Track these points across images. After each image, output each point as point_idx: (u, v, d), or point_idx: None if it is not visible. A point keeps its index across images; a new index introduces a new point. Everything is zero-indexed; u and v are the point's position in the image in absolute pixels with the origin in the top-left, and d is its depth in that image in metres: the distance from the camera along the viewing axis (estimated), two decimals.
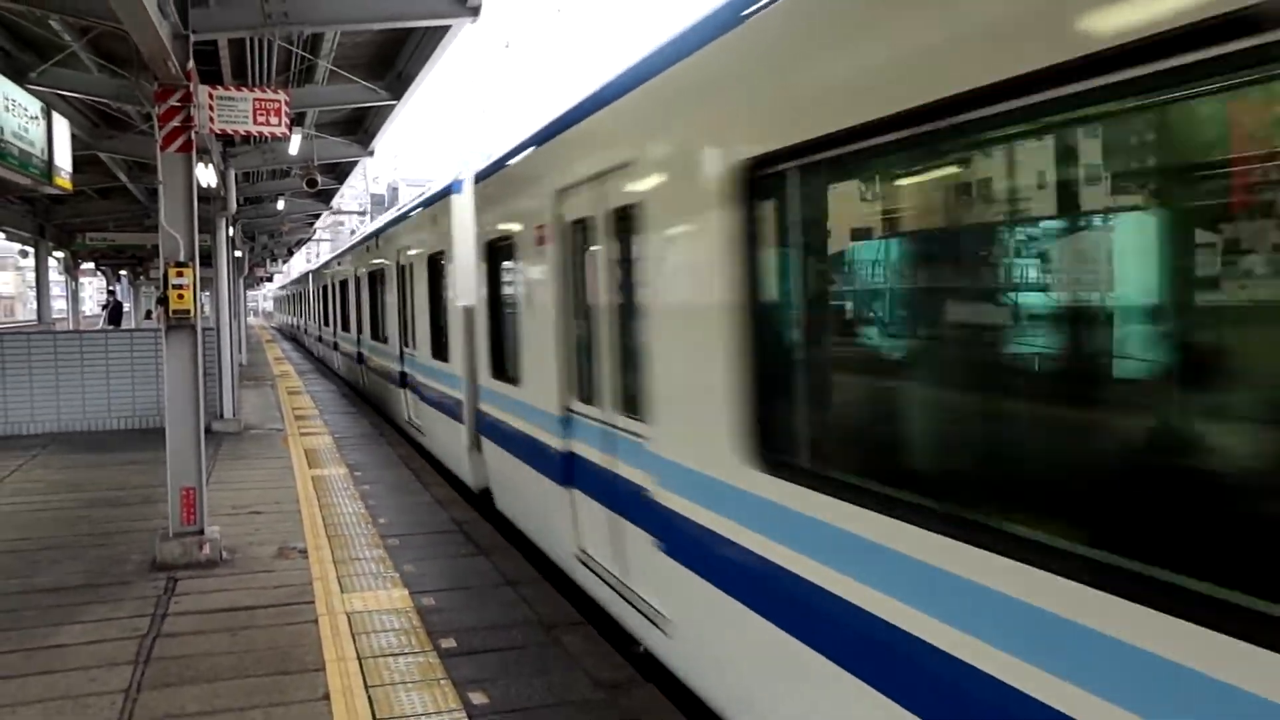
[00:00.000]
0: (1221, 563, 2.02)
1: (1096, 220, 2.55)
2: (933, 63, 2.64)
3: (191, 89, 7.29)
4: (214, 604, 6.32)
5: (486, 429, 8.47)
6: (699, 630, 4.38)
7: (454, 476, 10.50)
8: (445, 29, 9.68)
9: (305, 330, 38.43)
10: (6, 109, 7.71)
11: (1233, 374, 2.21)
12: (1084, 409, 2.54)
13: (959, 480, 2.82)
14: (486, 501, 8.88)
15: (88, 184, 18.22)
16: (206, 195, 13.16)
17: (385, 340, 14.72)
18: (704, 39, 4.04)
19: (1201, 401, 2.26)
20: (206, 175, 12.11)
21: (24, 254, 27.83)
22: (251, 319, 64.10)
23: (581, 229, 5.74)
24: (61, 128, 9.09)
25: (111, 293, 37.06)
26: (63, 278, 32.36)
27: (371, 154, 16.96)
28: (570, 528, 6.12)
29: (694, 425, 4.25)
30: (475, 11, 8.73)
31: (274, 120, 8.09)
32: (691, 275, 4.22)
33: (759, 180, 3.64)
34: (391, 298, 13.79)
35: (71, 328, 27.74)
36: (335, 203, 29.40)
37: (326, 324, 27.10)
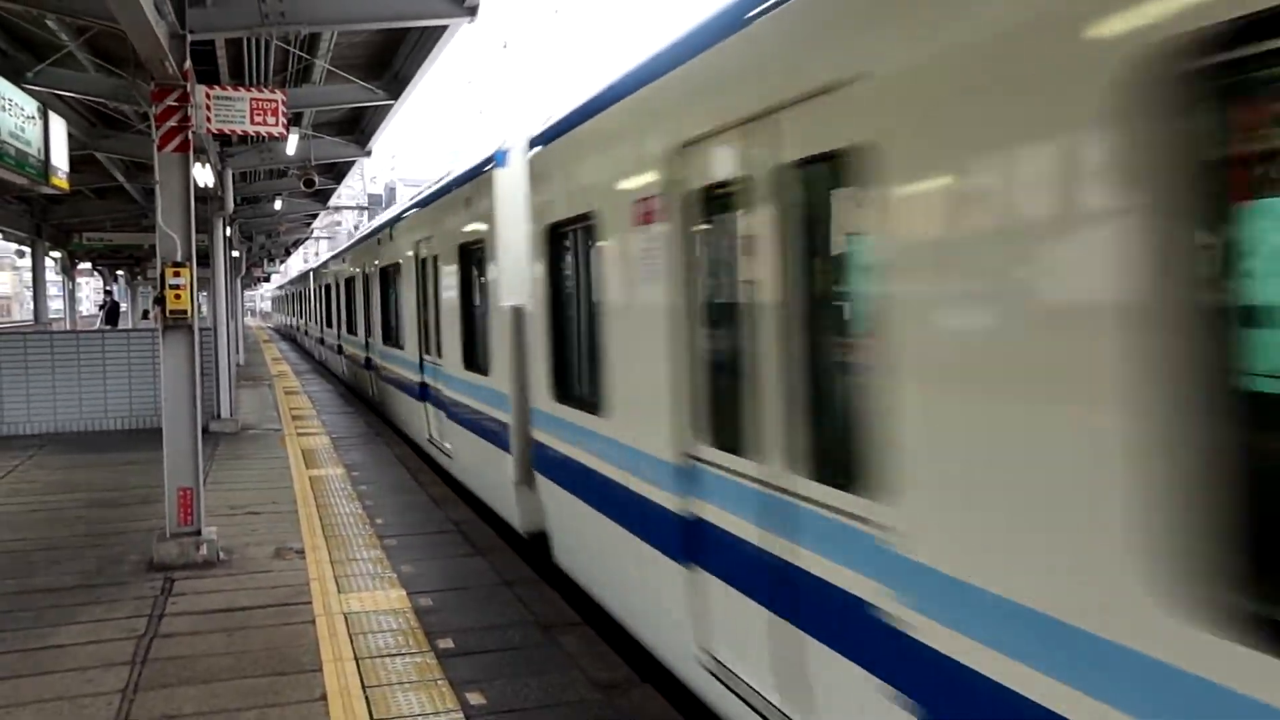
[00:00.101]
0: None
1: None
2: None
3: (188, 89, 7.28)
4: (211, 604, 6.31)
5: (545, 464, 6.54)
6: None
7: (484, 506, 8.87)
8: (442, 29, 9.67)
9: (305, 332, 35.64)
10: (3, 109, 7.69)
11: None
12: None
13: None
14: (538, 550, 7.12)
15: (85, 184, 18.19)
16: (204, 195, 13.15)
17: (401, 346, 12.68)
18: None
19: None
20: (204, 175, 12.11)
21: (20, 254, 27.81)
22: (249, 319, 64.03)
23: (718, 200, 4.04)
24: (58, 127, 9.07)
25: (109, 293, 37.04)
26: (60, 278, 32.32)
27: (369, 154, 16.96)
28: (687, 619, 4.42)
29: (996, 512, 2.49)
30: (473, 11, 8.72)
31: (271, 120, 8.08)
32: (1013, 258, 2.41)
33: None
34: (409, 296, 11.79)
35: (68, 328, 27.70)
36: (335, 200, 29.24)
37: (330, 325, 24.49)
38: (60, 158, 9.15)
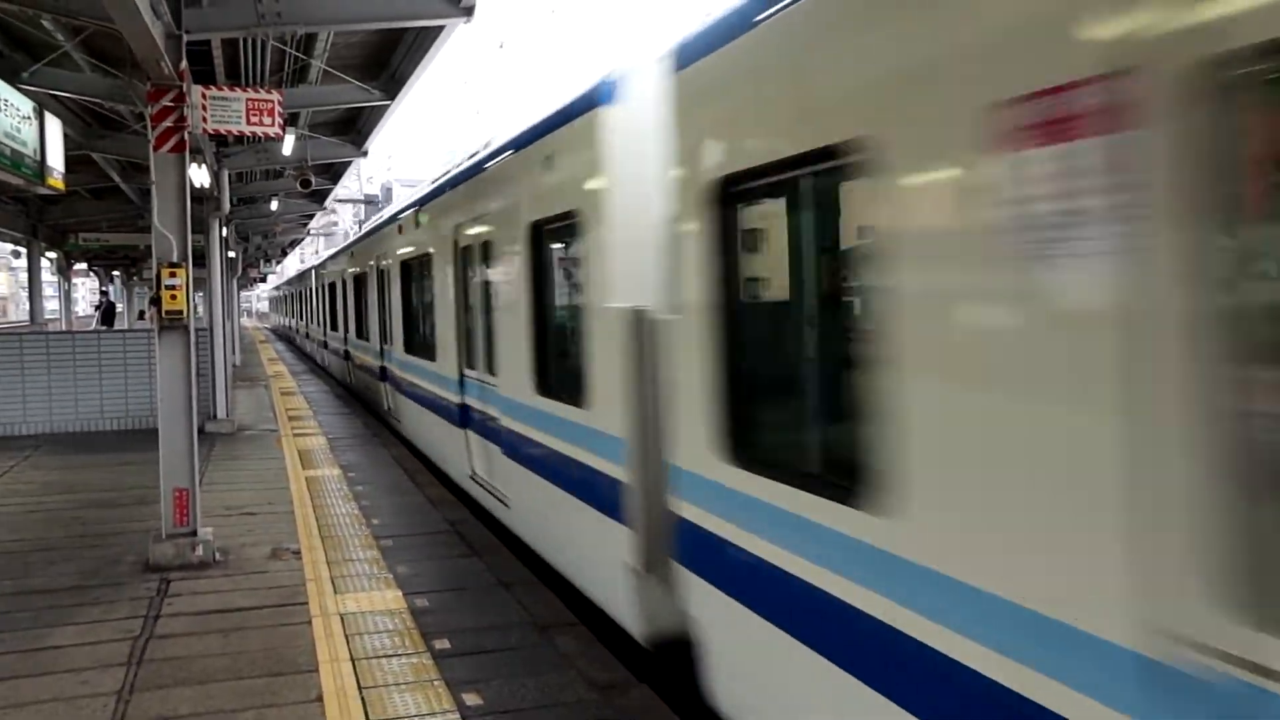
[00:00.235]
0: None
1: None
2: None
3: (184, 89, 7.27)
4: (207, 605, 6.31)
5: (701, 554, 4.31)
6: None
7: (550, 571, 6.76)
8: (439, 29, 9.66)
9: (307, 335, 32.74)
10: None
11: None
12: None
13: None
14: (667, 662, 5.01)
15: (80, 184, 18.15)
16: (200, 195, 13.13)
17: (431, 357, 10.37)
18: None
19: None
20: (200, 175, 12.10)
21: (16, 254, 27.80)
22: (245, 320, 63.94)
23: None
24: (54, 128, 9.07)
25: (104, 293, 37.01)
26: (55, 278, 32.27)
27: (365, 154, 16.93)
28: None
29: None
30: (469, 12, 8.72)
31: (267, 120, 8.07)
32: None
33: None
34: (445, 296, 9.58)
35: (64, 328, 27.65)
36: (334, 197, 28.97)
37: (334, 329, 22.04)
38: (56, 158, 9.14)
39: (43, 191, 9.80)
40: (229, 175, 15.53)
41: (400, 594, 6.42)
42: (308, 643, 5.57)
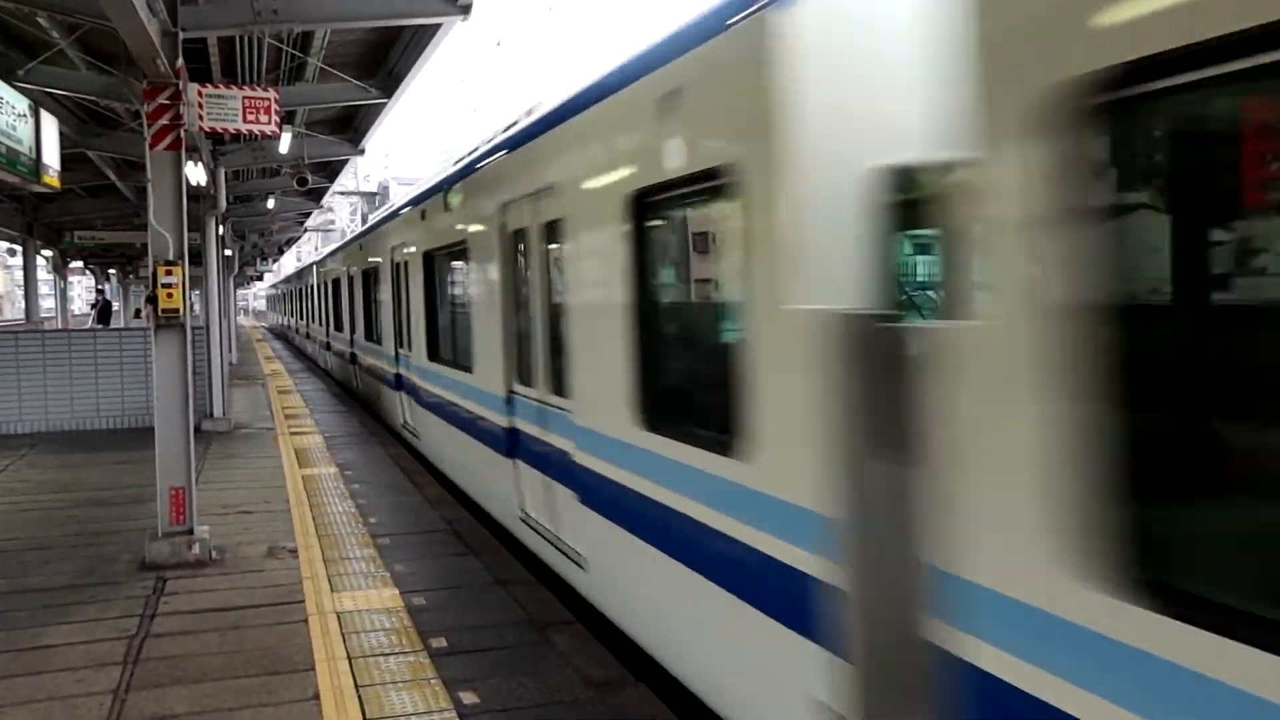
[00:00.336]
0: None
1: None
2: None
3: (180, 87, 7.26)
4: (203, 604, 6.30)
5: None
6: None
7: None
8: (436, 27, 9.65)
9: (307, 335, 30.56)
10: None
11: None
12: None
13: None
14: None
15: (76, 182, 18.09)
16: (196, 193, 13.11)
17: (466, 366, 8.53)
18: None
19: None
20: (196, 173, 12.06)
21: (11, 252, 27.73)
22: (241, 318, 63.87)
23: None
24: (49, 126, 9.06)
25: (100, 291, 36.93)
26: (51, 276, 32.20)
27: (362, 152, 16.90)
28: None
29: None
30: (466, 10, 8.71)
31: (264, 118, 8.06)
32: None
33: None
34: (485, 291, 7.78)
35: (60, 327, 27.60)
36: (334, 190, 28.70)
37: (339, 329, 20.27)
38: (51, 156, 9.13)
39: (38, 189, 9.79)
40: (225, 173, 15.51)
41: (397, 592, 6.42)
42: (304, 641, 5.56)
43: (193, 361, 7.52)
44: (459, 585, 6.58)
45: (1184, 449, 2.28)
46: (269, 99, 8.09)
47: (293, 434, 13.82)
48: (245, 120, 7.98)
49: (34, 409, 14.09)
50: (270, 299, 67.58)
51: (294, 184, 16.28)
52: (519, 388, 7.04)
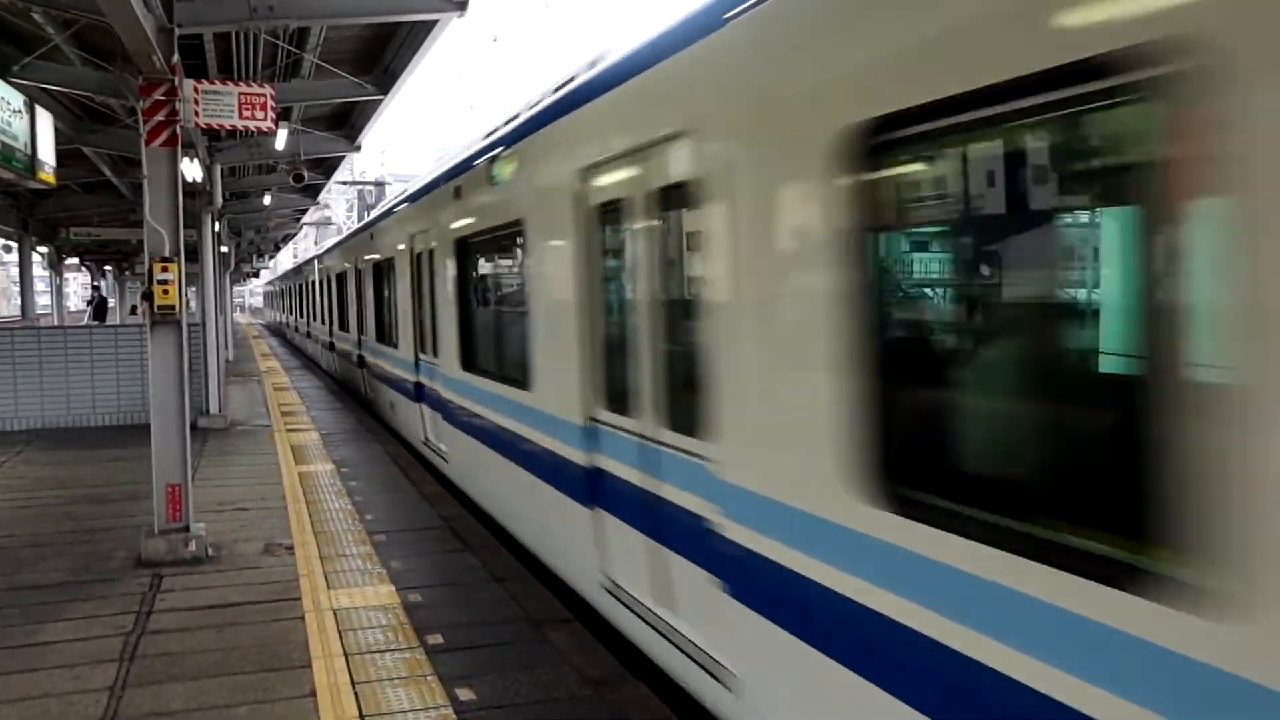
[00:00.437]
0: None
1: None
2: None
3: (176, 83, 7.25)
4: (200, 601, 6.29)
5: None
6: None
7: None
8: (432, 23, 9.65)
9: (308, 334, 28.56)
10: None
11: None
12: None
13: None
14: None
15: (72, 178, 18.07)
16: (192, 190, 13.09)
17: (518, 381, 6.75)
18: None
19: None
20: (192, 170, 12.05)
21: (7, 249, 27.65)
22: (238, 315, 63.77)
23: None
24: (45, 122, 9.04)
25: (96, 288, 36.88)
26: (47, 273, 32.13)
27: (358, 149, 16.89)
28: None
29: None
30: (462, 6, 8.71)
31: (260, 115, 8.04)
32: None
33: None
34: (550, 286, 6.04)
35: (56, 323, 27.55)
36: (332, 184, 28.53)
37: (345, 329, 18.08)
38: (47, 152, 9.11)
39: (34, 186, 9.77)
40: (221, 170, 15.49)
41: (393, 589, 6.42)
42: (301, 638, 5.56)
43: (189, 358, 7.51)
44: (455, 582, 6.58)
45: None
46: (265, 95, 8.08)
47: (289, 431, 13.81)
48: (241, 116, 7.96)
49: (30, 405, 14.07)
50: (267, 295, 67.05)
51: (290, 180, 16.28)
52: (605, 414, 5.28)
